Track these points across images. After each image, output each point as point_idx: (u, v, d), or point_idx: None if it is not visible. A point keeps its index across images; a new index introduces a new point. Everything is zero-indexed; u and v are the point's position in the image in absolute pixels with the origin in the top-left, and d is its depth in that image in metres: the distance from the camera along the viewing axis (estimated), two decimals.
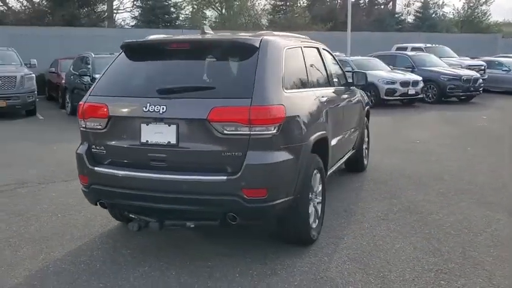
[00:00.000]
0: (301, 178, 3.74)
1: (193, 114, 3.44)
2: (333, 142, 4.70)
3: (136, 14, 28.13)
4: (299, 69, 4.27)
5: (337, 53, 16.27)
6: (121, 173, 3.61)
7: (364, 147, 6.66)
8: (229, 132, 3.37)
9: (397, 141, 9.18)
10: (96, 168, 3.72)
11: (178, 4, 29.04)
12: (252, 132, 3.36)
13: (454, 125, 11.44)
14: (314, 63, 4.75)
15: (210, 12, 33.08)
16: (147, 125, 3.55)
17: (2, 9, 25.42)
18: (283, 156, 3.53)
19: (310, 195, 3.98)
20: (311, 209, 4.04)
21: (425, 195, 5.57)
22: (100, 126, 3.73)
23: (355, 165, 6.58)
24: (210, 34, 4.25)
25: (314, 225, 4.12)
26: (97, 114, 3.73)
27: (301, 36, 4.87)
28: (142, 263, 3.73)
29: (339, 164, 5.31)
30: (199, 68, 3.76)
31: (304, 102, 4.02)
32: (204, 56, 3.76)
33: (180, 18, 29.01)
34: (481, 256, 3.87)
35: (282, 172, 3.54)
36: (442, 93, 15.47)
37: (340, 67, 5.84)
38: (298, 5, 33.63)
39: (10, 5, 26.30)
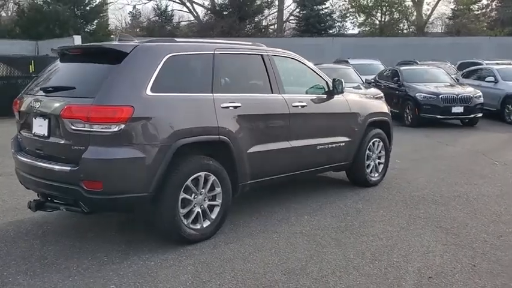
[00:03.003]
0: (159, 177, 3.89)
1: (54, 110, 3.93)
2: (255, 149, 4.65)
3: (293, 24, 29.36)
4: (192, 74, 4.37)
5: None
6: (22, 159, 4.29)
7: (370, 160, 6.18)
8: (75, 128, 3.76)
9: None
10: (15, 155, 4.47)
11: (333, 12, 29.30)
12: (92, 129, 3.69)
13: None
14: (238, 70, 4.78)
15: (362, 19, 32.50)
16: (35, 118, 4.17)
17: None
18: (127, 153, 3.75)
19: (186, 195, 4.08)
20: (196, 209, 4.19)
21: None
22: (18, 119, 4.50)
23: (356, 178, 6.19)
24: (126, 40, 4.62)
25: (198, 226, 4.22)
26: (16, 109, 4.52)
27: (236, 43, 4.96)
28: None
29: (291, 174, 5.15)
30: (80, 70, 4.21)
31: (185, 105, 4.12)
32: (87, 60, 4.20)
33: (335, 26, 29.19)
34: None
35: (123, 168, 3.76)
36: None
37: (321, 77, 5.62)
38: (473, 9, 30.82)
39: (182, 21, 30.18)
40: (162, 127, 3.92)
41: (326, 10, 28.26)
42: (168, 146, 3.91)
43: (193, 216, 4.18)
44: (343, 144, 5.74)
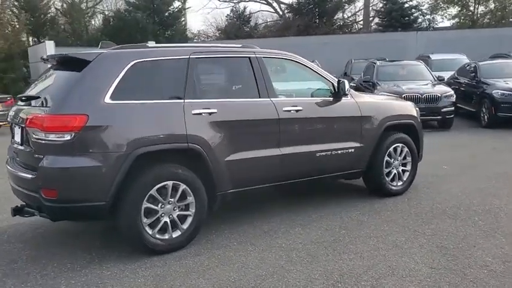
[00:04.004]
0: (117, 186, 3.83)
1: (23, 120, 4.04)
2: (236, 157, 4.44)
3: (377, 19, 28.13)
4: (161, 80, 4.24)
5: None
6: (7, 167, 4.48)
7: (391, 168, 5.66)
8: (36, 137, 3.84)
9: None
10: (7, 163, 4.69)
11: (421, 5, 27.63)
12: (47, 138, 3.75)
13: None
14: (218, 74, 4.59)
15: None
16: (15, 127, 4.33)
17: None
18: (81, 162, 3.74)
19: (151, 205, 4.00)
20: (163, 219, 4.10)
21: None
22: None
23: (373, 187, 5.72)
24: (108, 48, 4.62)
25: (167, 236, 4.13)
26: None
27: (220, 46, 4.76)
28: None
29: (278, 182, 4.84)
30: (51, 79, 4.27)
31: (148, 112, 4.02)
32: (60, 69, 4.25)
33: (419, 20, 27.50)
34: None
35: (78, 177, 3.76)
36: None
37: (326, 78, 5.25)
38: None
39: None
40: (119, 135, 3.86)
41: (411, 3, 26.72)
42: (126, 154, 3.85)
43: (159, 226, 4.07)
44: (352, 150, 5.29)
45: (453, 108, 11.71)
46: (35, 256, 4.20)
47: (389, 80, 13.10)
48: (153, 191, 4.00)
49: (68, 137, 3.71)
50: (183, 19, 23.16)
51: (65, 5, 23.13)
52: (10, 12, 20.84)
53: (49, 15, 22.18)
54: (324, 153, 5.05)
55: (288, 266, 3.84)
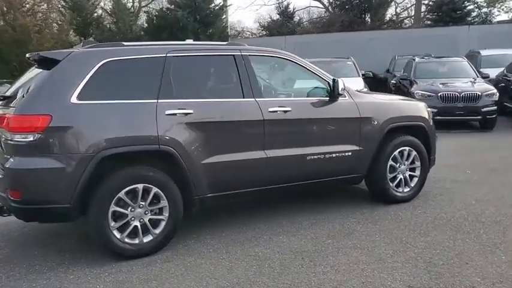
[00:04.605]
0: (81, 188, 3.75)
1: None
2: (215, 160, 4.26)
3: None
4: (134, 80, 4.10)
5: None
6: None
7: (396, 173, 5.29)
8: (4, 137, 3.82)
9: None
10: None
11: None
12: (13, 139, 3.70)
13: None
14: (197, 73, 4.41)
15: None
16: None
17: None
18: (44, 163, 3.67)
19: (119, 208, 3.88)
20: (133, 223, 3.97)
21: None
22: None
23: (376, 193, 5.38)
24: (88, 47, 4.51)
25: (137, 241, 4.01)
26: None
27: (201, 43, 4.58)
28: None
29: (263, 187, 4.60)
30: (26, 79, 4.24)
31: (116, 113, 3.90)
32: (39, 68, 4.17)
33: (473, 13, 26.00)
34: None
35: (40, 179, 3.69)
36: None
37: (321, 77, 4.95)
38: None
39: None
40: (84, 136, 3.77)
41: None
42: (90, 156, 3.75)
43: (128, 230, 3.95)
44: (349, 153, 4.96)
45: (495, 107, 10.92)
46: (10, 256, 4.21)
47: (428, 77, 12.44)
48: (121, 194, 3.88)
49: (31, 138, 3.65)
50: (224, 16, 23.15)
51: (110, 5, 23.75)
52: (57, 12, 21.64)
53: (95, 14, 22.82)
54: (315, 157, 4.76)
55: (255, 278, 3.62)
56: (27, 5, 19.17)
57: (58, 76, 3.85)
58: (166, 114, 4.05)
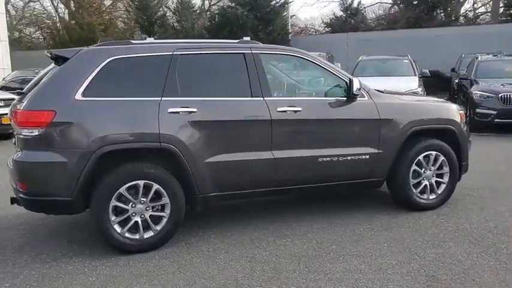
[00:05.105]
0: (82, 183, 3.86)
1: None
2: (220, 159, 4.24)
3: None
4: (139, 78, 4.14)
5: None
6: None
7: (421, 178, 5.00)
8: (15, 132, 4.04)
9: None
10: None
11: None
12: (21, 133, 3.91)
13: None
14: (204, 72, 4.38)
15: None
16: None
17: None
18: (47, 157, 3.83)
19: (120, 203, 3.96)
20: (134, 218, 4.04)
21: None
22: None
23: (398, 199, 5.13)
24: (99, 44, 4.59)
25: (137, 236, 4.07)
26: None
27: (211, 41, 4.55)
28: None
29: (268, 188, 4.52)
30: (43, 76, 4.41)
31: (119, 110, 3.98)
32: (55, 65, 4.35)
33: None
34: None
35: (44, 172, 3.86)
36: None
37: (339, 77, 4.76)
38: None
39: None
40: (86, 133, 3.89)
41: None
42: (91, 152, 3.85)
43: (129, 225, 4.03)
44: (367, 156, 4.74)
45: None
46: (25, 244, 4.43)
47: (491, 77, 11.71)
48: (122, 190, 3.96)
49: (36, 132, 3.82)
50: (285, 13, 23.02)
51: (175, 3, 24.42)
52: (123, 11, 22.61)
53: (159, 13, 23.56)
54: (328, 159, 4.60)
55: (243, 280, 3.55)
56: (95, 4, 20.16)
57: (65, 73, 4.01)
58: (169, 112, 4.08)
